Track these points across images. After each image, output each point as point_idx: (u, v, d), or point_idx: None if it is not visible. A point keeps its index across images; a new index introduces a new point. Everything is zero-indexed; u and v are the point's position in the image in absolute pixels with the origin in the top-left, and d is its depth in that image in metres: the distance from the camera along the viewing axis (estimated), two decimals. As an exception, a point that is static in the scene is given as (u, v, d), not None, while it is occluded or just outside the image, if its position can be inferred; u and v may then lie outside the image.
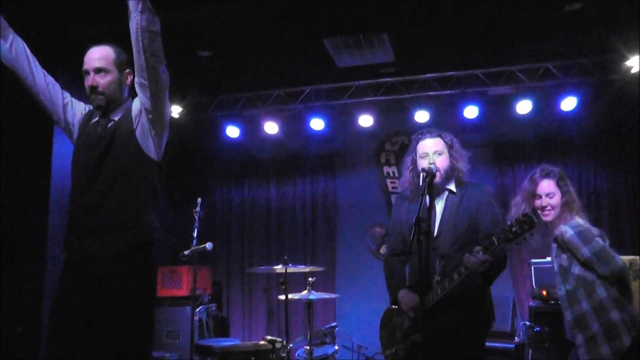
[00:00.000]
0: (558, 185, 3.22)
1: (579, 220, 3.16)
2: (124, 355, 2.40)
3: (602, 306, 2.98)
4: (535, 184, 3.25)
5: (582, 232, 3.09)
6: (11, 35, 2.64)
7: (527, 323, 5.03)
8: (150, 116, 2.60)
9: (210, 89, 6.75)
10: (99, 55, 2.63)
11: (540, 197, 3.22)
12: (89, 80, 2.61)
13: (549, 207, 3.20)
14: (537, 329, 4.85)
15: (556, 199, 3.21)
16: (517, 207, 3.28)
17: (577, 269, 3.07)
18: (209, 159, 7.73)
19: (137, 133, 2.60)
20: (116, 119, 2.64)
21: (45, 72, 2.71)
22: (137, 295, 2.50)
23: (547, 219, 3.21)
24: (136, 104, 2.64)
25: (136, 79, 2.56)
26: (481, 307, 3.05)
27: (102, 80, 2.60)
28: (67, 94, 2.78)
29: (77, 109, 2.77)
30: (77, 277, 2.48)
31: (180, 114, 6.79)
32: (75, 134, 2.72)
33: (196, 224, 4.82)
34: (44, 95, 2.69)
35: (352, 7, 4.95)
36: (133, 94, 2.69)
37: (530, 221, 2.73)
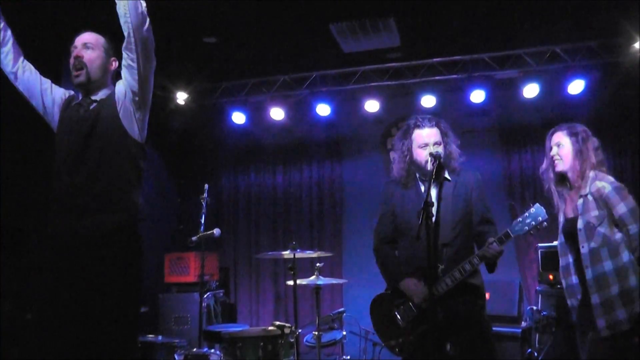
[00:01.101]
0: (570, 136, 3.18)
1: (610, 178, 3.12)
2: (111, 334, 2.44)
3: (624, 269, 2.94)
4: (549, 138, 3.26)
5: (619, 188, 3.07)
6: (2, 23, 2.71)
7: (534, 307, 5.05)
8: (137, 98, 2.65)
9: (215, 75, 6.74)
10: (89, 36, 2.73)
11: (551, 149, 3.21)
12: (75, 52, 2.67)
13: (557, 157, 3.17)
14: (544, 313, 4.86)
15: (566, 150, 3.16)
16: (546, 174, 3.28)
17: (603, 229, 3.00)
18: (215, 145, 7.73)
19: (121, 115, 2.64)
20: (97, 99, 2.68)
21: (25, 61, 2.78)
22: (124, 275, 2.53)
23: (557, 169, 3.18)
24: (119, 87, 2.68)
25: (124, 61, 2.61)
26: (481, 291, 3.10)
27: (86, 54, 2.67)
28: (46, 80, 2.81)
29: (57, 95, 2.80)
30: (65, 259, 2.50)
31: (186, 100, 6.79)
32: (56, 119, 2.76)
33: (203, 210, 4.84)
34: (22, 81, 2.75)
35: (358, -9, 4.91)
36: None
37: (544, 213, 2.75)
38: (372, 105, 6.56)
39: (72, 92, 2.81)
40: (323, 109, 6.66)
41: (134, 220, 2.62)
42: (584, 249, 3.01)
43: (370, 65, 6.37)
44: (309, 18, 5.41)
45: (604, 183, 3.07)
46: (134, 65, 2.57)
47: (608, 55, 5.81)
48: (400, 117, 7.20)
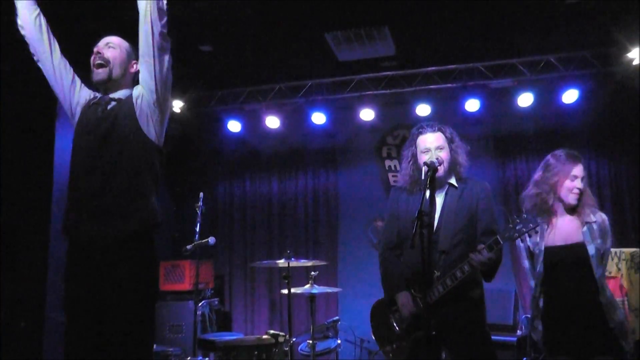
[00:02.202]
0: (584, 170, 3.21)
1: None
2: (128, 340, 2.43)
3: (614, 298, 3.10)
4: (572, 165, 3.16)
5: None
6: (39, 10, 2.73)
7: (529, 316, 5.03)
8: (154, 96, 2.61)
9: (211, 83, 6.75)
10: (112, 38, 2.73)
11: (576, 178, 3.13)
12: (96, 49, 2.66)
13: (578, 190, 3.13)
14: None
15: (584, 185, 3.17)
16: (539, 195, 3.21)
17: (605, 256, 3.12)
18: (211, 153, 7.73)
19: (138, 117, 2.60)
20: (116, 98, 2.65)
21: (62, 54, 2.76)
22: (142, 280, 2.50)
23: (574, 202, 3.14)
24: (137, 90, 2.66)
25: (141, 60, 2.60)
26: (479, 301, 3.07)
27: (108, 52, 2.66)
28: (77, 78, 2.79)
29: (83, 95, 2.76)
30: (84, 264, 2.47)
31: (182, 108, 6.80)
32: (77, 118, 2.72)
33: (198, 219, 4.83)
34: (56, 73, 2.72)
35: (353, 0, 4.93)
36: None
37: (535, 220, 2.74)
38: (367, 114, 6.57)
39: (97, 94, 2.76)
40: (318, 118, 6.67)
41: (150, 226, 2.56)
42: (597, 275, 3.04)
43: (365, 74, 6.39)
44: (305, 27, 5.43)
45: (603, 215, 3.16)
46: (150, 61, 2.57)
47: (602, 64, 5.85)
48: (396, 126, 7.24)
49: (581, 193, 3.14)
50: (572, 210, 3.18)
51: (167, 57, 2.61)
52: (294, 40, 5.75)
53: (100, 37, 2.75)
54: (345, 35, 5.48)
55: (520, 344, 5.13)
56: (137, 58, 2.69)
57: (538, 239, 3.18)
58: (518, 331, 5.36)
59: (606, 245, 3.09)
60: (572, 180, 3.13)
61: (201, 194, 4.96)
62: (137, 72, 2.71)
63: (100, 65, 2.64)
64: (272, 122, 6.81)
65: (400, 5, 5.06)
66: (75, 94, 2.75)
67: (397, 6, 5.08)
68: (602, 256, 3.08)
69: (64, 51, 2.76)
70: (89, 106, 2.69)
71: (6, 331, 4.80)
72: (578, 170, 3.15)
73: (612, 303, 3.03)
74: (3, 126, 4.85)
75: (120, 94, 2.67)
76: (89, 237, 2.47)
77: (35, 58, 2.73)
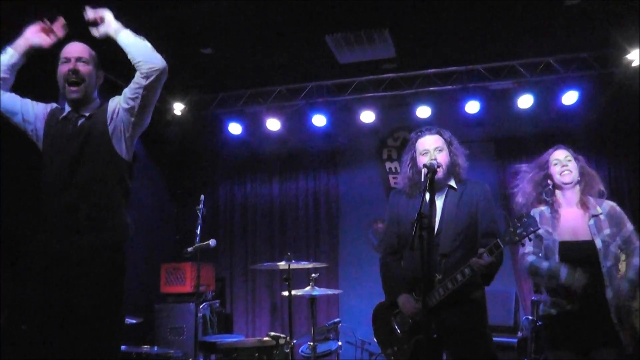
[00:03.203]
0: (574, 155, 3.27)
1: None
2: (95, 349, 2.46)
3: (633, 286, 3.05)
4: (548, 154, 3.28)
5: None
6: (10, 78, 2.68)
7: (530, 317, 5.05)
8: (133, 119, 2.63)
9: (212, 86, 6.77)
10: (81, 47, 2.67)
11: (557, 163, 3.22)
12: (71, 64, 2.61)
13: (567, 169, 3.19)
14: (540, 323, 4.86)
15: (573, 165, 3.22)
16: (527, 194, 3.30)
17: (614, 247, 3.08)
18: (212, 155, 7.74)
19: (111, 134, 2.61)
20: (86, 114, 2.63)
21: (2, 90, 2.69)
22: (109, 291, 2.53)
23: (566, 179, 3.19)
24: (113, 104, 2.65)
25: (133, 84, 2.60)
26: (480, 303, 3.07)
27: (83, 68, 2.62)
28: (24, 99, 2.73)
29: (39, 109, 2.71)
30: (52, 275, 2.48)
31: (183, 111, 6.81)
32: (41, 134, 2.67)
33: (199, 221, 4.83)
34: (2, 101, 2.67)
35: (354, 3, 4.95)
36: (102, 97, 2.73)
37: (535, 223, 2.74)
38: (367, 116, 6.59)
39: (54, 105, 2.73)
40: (319, 120, 6.69)
41: (121, 239, 2.61)
42: (605, 268, 3.04)
43: (366, 76, 6.41)
44: (305, 29, 5.45)
45: (612, 203, 3.18)
46: (140, 93, 2.59)
47: (601, 66, 5.87)
48: (396, 128, 7.25)
49: (580, 174, 3.20)
50: (577, 201, 3.20)
51: (158, 89, 2.64)
52: (294, 43, 5.77)
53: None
54: (346, 37, 5.50)
55: (521, 345, 5.13)
56: (102, 67, 2.71)
57: (551, 229, 3.18)
58: (519, 332, 5.37)
59: (624, 230, 3.09)
60: (554, 165, 3.23)
61: (202, 196, 4.96)
62: (102, 81, 2.73)
63: (76, 84, 2.60)
64: (273, 124, 6.83)
65: (401, 8, 5.08)
66: (30, 111, 2.70)
67: (397, 9, 5.10)
68: (609, 247, 3.06)
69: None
70: (56, 121, 2.65)
71: (8, 334, 4.79)
72: (559, 154, 3.25)
73: (620, 293, 3.01)
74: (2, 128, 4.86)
75: (89, 109, 2.66)
76: (58, 251, 2.48)
77: None
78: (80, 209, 2.50)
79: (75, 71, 2.60)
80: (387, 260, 3.25)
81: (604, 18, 5.28)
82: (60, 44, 2.70)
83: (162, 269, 6.49)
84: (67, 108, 2.68)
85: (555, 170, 3.24)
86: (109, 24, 2.59)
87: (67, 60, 2.63)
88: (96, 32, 2.59)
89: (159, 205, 7.31)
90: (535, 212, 3.22)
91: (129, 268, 2.64)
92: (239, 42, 5.70)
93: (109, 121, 2.62)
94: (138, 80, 2.58)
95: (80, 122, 2.63)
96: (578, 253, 3.09)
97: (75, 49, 2.65)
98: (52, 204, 2.55)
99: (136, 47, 2.58)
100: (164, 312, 6.19)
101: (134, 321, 4.58)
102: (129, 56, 2.58)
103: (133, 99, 2.61)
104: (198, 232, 4.81)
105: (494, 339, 3.22)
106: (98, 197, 2.54)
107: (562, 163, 3.22)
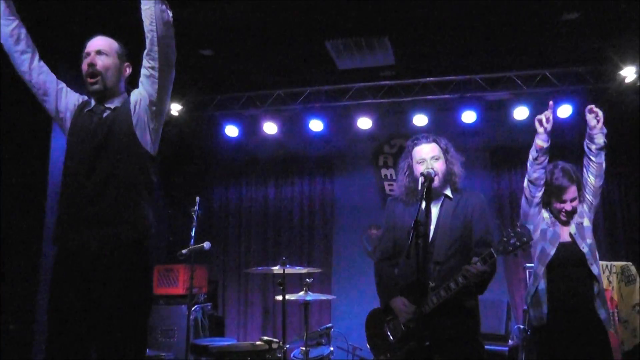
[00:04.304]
0: None
1: None
2: (120, 350, 2.40)
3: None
4: (564, 185, 3.30)
5: None
6: (17, 21, 2.67)
7: (521, 326, 5.07)
8: (154, 108, 2.62)
9: (210, 87, 6.77)
10: (102, 41, 2.67)
11: (565, 201, 3.27)
12: (88, 59, 2.61)
13: (567, 212, 3.26)
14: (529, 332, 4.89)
15: (576, 203, 3.30)
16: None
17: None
18: (208, 157, 7.74)
19: (135, 125, 2.59)
20: (112, 107, 2.62)
21: (41, 61, 2.71)
22: (135, 288, 2.47)
23: (563, 218, 3.28)
24: (134, 96, 2.64)
25: (143, 69, 2.59)
26: (473, 312, 3.08)
27: (100, 61, 2.61)
28: (61, 83, 2.74)
29: (71, 99, 2.72)
30: (74, 271, 2.44)
31: (180, 112, 6.81)
32: (68, 124, 2.68)
33: (194, 223, 4.82)
34: (37, 82, 2.68)
35: (354, 9, 4.98)
36: (129, 90, 2.71)
37: (529, 233, 2.77)
38: (364, 122, 6.60)
39: (85, 97, 2.72)
40: (316, 125, 6.70)
41: (144, 235, 2.55)
42: (596, 271, 3.14)
43: (364, 83, 6.43)
44: (305, 34, 5.46)
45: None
46: (155, 73, 2.56)
47: (596, 81, 5.92)
48: (393, 135, 7.27)
49: (572, 212, 3.25)
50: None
51: (171, 70, 2.61)
52: (294, 47, 5.78)
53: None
54: (346, 43, 5.52)
55: (512, 354, 5.15)
56: (129, 60, 2.69)
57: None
58: (510, 341, 5.40)
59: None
60: (562, 203, 3.26)
61: (197, 199, 4.95)
62: (130, 74, 2.71)
63: (94, 76, 2.60)
64: (270, 127, 6.84)
65: (401, 16, 5.11)
66: (62, 101, 2.70)
67: (397, 17, 5.13)
68: (594, 252, 3.21)
69: (54, 53, 2.73)
70: (82, 113, 2.65)
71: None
72: (571, 193, 3.25)
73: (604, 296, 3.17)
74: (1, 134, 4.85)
75: (115, 101, 2.65)
76: (81, 244, 2.43)
77: (16, 68, 2.68)
78: (100, 200, 2.45)
79: (91, 64, 2.60)
80: (382, 265, 3.27)
81: (599, 34, 5.34)
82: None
83: (155, 271, 6.46)
84: (94, 102, 2.67)
85: (557, 206, 3.35)
86: None
87: (87, 54, 2.64)
88: None
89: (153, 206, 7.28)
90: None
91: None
92: (238, 44, 5.71)
93: (132, 112, 2.60)
94: (149, 52, 2.56)
95: (105, 114, 2.61)
96: (563, 254, 3.22)
97: (96, 43, 2.65)
98: (72, 197, 2.51)
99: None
100: (156, 314, 6.15)
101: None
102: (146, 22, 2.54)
103: (150, 82, 2.59)
104: (192, 234, 4.81)
105: (486, 347, 3.24)
106: (119, 189, 2.48)
107: (565, 207, 3.31)
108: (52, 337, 2.45)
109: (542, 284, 3.19)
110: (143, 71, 2.60)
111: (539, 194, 3.32)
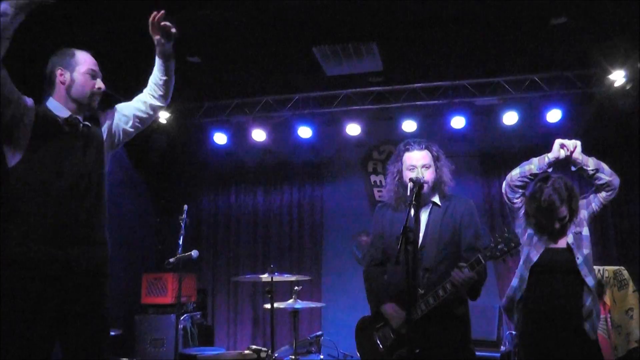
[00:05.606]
0: None
1: None
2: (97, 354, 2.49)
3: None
4: (556, 206, 3.17)
5: None
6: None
7: (513, 332, 5.05)
8: (130, 138, 2.82)
9: (198, 95, 6.73)
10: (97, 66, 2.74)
11: (554, 222, 3.17)
12: (101, 84, 2.68)
13: (560, 225, 3.20)
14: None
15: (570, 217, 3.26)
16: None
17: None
18: (196, 165, 7.69)
19: (105, 145, 2.68)
20: (85, 122, 2.61)
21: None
22: (104, 303, 2.57)
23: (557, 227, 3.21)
24: (109, 119, 2.73)
25: (142, 105, 2.80)
26: (463, 318, 3.06)
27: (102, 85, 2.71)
28: (15, 89, 2.46)
29: (27, 105, 2.48)
30: (49, 286, 2.38)
31: (168, 119, 6.76)
32: (27, 133, 2.45)
33: (182, 231, 4.77)
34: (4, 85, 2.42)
35: (342, 16, 4.97)
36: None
37: (517, 239, 2.75)
38: (353, 129, 6.60)
39: (33, 103, 2.52)
40: (305, 131, 6.68)
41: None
42: (590, 283, 3.06)
43: (353, 89, 6.42)
44: (293, 40, 5.45)
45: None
46: (151, 113, 2.84)
47: (584, 85, 5.95)
48: (382, 141, 7.27)
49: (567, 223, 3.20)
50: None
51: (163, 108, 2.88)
52: (281, 54, 5.77)
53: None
54: (333, 50, 5.51)
55: (504, 360, 5.13)
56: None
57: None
58: (502, 347, 5.37)
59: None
60: (551, 223, 3.16)
61: (185, 207, 4.90)
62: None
63: (99, 97, 2.69)
64: (259, 135, 6.81)
65: (389, 22, 5.11)
66: (20, 113, 2.45)
67: (385, 23, 5.13)
68: (590, 263, 3.14)
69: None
70: (53, 123, 2.51)
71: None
72: (561, 212, 3.16)
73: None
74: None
75: (88, 116, 2.67)
76: (56, 261, 2.40)
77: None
78: (89, 221, 2.52)
79: (100, 88, 2.67)
80: (371, 271, 3.25)
81: (589, 38, 5.36)
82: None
83: (143, 279, 6.40)
84: (63, 111, 2.55)
85: (554, 225, 3.28)
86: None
87: (96, 75, 2.67)
88: (162, 44, 2.76)
89: (142, 214, 7.22)
90: None
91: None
92: (226, 51, 5.68)
93: (105, 133, 2.69)
94: (152, 102, 2.81)
95: (81, 128, 2.60)
96: (553, 259, 3.16)
97: (96, 63, 2.71)
98: (60, 215, 2.43)
99: (172, 80, 2.82)
100: (144, 324, 6.10)
101: (113, 333, 4.50)
102: (163, 83, 2.78)
103: (140, 120, 2.81)
104: (180, 243, 4.75)
105: (477, 353, 3.22)
106: (101, 210, 2.60)
107: (556, 227, 3.25)
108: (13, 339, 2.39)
109: (524, 288, 3.15)
110: (140, 106, 2.80)
111: (518, 200, 3.28)
